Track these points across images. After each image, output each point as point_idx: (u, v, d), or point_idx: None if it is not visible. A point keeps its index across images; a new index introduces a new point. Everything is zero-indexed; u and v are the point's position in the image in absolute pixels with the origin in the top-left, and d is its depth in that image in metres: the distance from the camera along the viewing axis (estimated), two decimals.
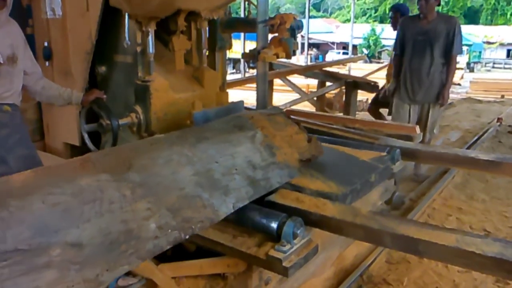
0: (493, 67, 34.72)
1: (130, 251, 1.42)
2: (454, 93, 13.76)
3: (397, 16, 5.04)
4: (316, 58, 35.17)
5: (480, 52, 35.50)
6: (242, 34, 14.02)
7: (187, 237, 1.59)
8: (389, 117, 4.89)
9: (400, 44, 4.49)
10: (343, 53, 33.13)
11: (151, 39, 2.75)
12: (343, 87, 6.83)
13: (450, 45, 4.19)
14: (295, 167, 2.21)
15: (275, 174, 2.10)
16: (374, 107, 5.48)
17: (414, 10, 4.77)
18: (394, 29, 4.88)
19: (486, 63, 35.13)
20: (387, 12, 43.52)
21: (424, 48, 4.25)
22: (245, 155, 2.07)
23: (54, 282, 1.25)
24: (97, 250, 1.37)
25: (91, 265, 1.33)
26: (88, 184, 1.51)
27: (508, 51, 37.65)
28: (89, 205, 1.44)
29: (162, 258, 2.19)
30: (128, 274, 1.89)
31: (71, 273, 1.29)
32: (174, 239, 1.55)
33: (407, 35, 4.38)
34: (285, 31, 2.75)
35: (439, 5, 4.31)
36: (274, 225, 1.82)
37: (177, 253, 2.15)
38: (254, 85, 3.65)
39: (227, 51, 3.70)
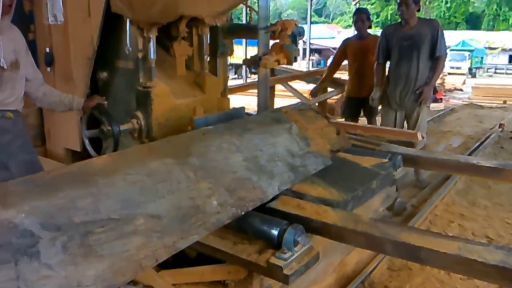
0: (495, 72, 34.68)
1: (198, 223, 1.68)
2: (456, 99, 13.77)
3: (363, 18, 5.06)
4: (318, 63, 35.20)
5: (482, 58, 35.46)
6: (244, 40, 14.05)
7: (242, 213, 1.85)
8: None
9: (383, 52, 4.50)
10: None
11: (152, 45, 2.76)
12: (345, 93, 6.83)
13: (435, 47, 4.21)
14: (327, 156, 2.47)
15: (311, 161, 2.35)
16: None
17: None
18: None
19: (488, 69, 35.10)
20: (389, 17, 43.71)
21: (411, 53, 4.26)
22: (284, 144, 2.33)
23: (140, 246, 1.47)
24: (172, 221, 1.61)
25: (169, 233, 1.57)
26: (157, 167, 1.77)
27: (510, 56, 37.62)
28: (161, 184, 1.70)
29: (162, 264, 2.18)
30: (129, 282, 1.88)
31: (154, 240, 1.52)
32: (233, 215, 1.81)
33: (392, 42, 4.39)
34: (287, 37, 2.76)
35: (419, 10, 4.33)
36: (275, 232, 1.81)
37: (178, 259, 2.14)
38: (256, 90, 3.65)
39: (229, 57, 3.71)
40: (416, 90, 4.28)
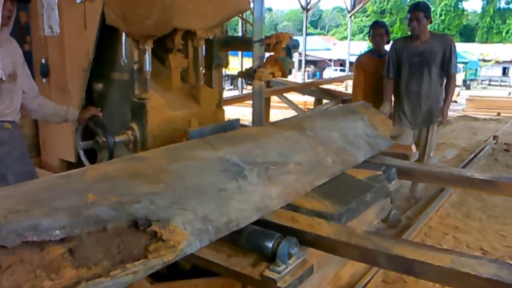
0: (489, 84, 34.95)
1: (323, 171, 2.36)
2: (451, 111, 13.80)
3: (381, 32, 4.75)
4: (314, 75, 35.36)
5: (476, 70, 35.76)
6: (239, 52, 14.11)
7: (345, 170, 2.56)
8: None
9: (393, 67, 4.30)
10: (340, 70, 33.33)
11: (148, 57, 2.77)
12: (340, 105, 6.85)
13: (448, 64, 4.07)
14: (389, 140, 3.17)
15: (380, 141, 3.04)
16: None
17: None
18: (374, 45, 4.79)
19: (482, 81, 35.38)
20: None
21: (421, 70, 4.12)
22: (361, 128, 3.02)
23: (295, 180, 2.14)
24: (309, 168, 2.29)
25: (308, 175, 2.24)
26: (289, 135, 2.51)
27: (504, 68, 37.94)
28: (297, 145, 2.43)
29: (157, 277, 2.17)
30: None
31: (301, 177, 2.19)
32: (340, 170, 2.49)
33: (402, 57, 4.22)
34: (281, 50, 2.77)
35: (431, 23, 4.18)
36: (269, 245, 1.80)
37: (172, 272, 2.13)
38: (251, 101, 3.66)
39: (225, 68, 3.72)
40: (427, 109, 4.18)
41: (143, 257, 1.32)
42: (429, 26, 4.17)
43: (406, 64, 4.20)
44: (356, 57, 5.09)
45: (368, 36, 5.06)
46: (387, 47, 4.58)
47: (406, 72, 4.21)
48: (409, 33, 4.26)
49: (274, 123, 2.87)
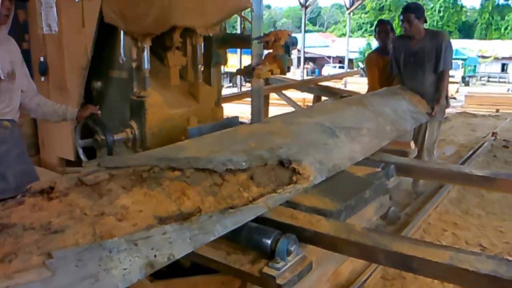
0: (488, 81, 34.96)
1: (384, 137, 3.05)
2: (450, 107, 13.81)
3: (387, 29, 4.97)
4: (313, 72, 35.37)
5: (475, 66, 35.76)
6: (238, 49, 14.10)
7: (399, 136, 3.29)
8: None
9: (396, 65, 4.43)
10: (339, 67, 33.33)
11: (146, 55, 2.77)
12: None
13: (438, 62, 4.13)
14: (426, 116, 4.06)
15: (420, 116, 3.91)
16: None
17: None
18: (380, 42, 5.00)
19: (481, 77, 35.38)
20: None
21: (415, 70, 4.22)
22: (405, 106, 3.83)
23: (368, 141, 2.81)
24: (375, 134, 2.95)
25: (376, 138, 2.92)
26: (358, 108, 3.28)
27: (503, 65, 37.95)
28: (364, 116, 3.15)
29: (156, 275, 2.18)
30: None
31: (372, 140, 2.85)
32: (395, 136, 3.23)
33: (399, 57, 4.35)
34: (280, 47, 2.76)
35: (425, 22, 4.25)
36: (268, 242, 1.81)
37: (172, 269, 2.14)
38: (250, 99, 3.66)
39: (224, 66, 3.72)
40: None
41: (292, 183, 2.01)
42: (427, 23, 4.23)
43: (403, 63, 4.33)
44: (362, 56, 5.30)
45: (374, 35, 5.28)
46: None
47: (403, 71, 4.35)
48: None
49: (342, 100, 3.95)
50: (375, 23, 5.38)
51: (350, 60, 30.27)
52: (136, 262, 1.31)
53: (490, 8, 45.02)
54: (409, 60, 4.26)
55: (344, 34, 36.01)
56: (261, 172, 1.97)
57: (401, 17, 4.23)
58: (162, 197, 1.62)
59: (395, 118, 3.37)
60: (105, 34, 2.96)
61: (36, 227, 1.32)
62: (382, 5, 47.42)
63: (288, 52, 2.77)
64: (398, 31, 5.28)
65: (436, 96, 4.19)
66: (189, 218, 1.57)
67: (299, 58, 22.95)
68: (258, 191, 1.86)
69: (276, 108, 9.35)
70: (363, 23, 49.04)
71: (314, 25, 60.04)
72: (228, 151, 2.03)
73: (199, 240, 1.52)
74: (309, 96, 8.29)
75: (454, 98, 17.48)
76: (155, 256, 1.37)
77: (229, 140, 2.25)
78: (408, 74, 4.30)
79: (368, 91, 5.09)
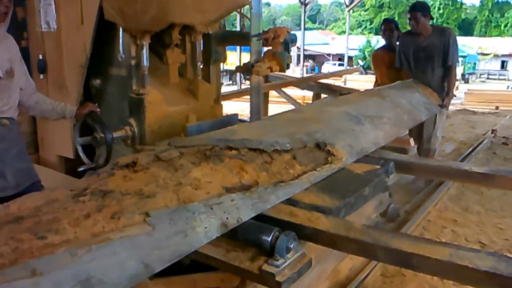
0: (487, 78, 34.97)
1: (405, 124, 3.40)
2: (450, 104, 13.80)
3: (392, 27, 5.20)
4: (312, 69, 35.32)
5: (474, 64, 35.75)
6: (238, 46, 14.07)
7: (414, 125, 3.71)
8: None
9: (404, 59, 4.63)
10: (339, 65, 33.31)
11: (145, 52, 2.76)
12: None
13: (445, 57, 4.39)
14: (438, 108, 4.39)
15: (433, 108, 4.21)
16: None
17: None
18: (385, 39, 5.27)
19: (480, 74, 35.40)
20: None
21: (425, 64, 4.46)
22: (419, 98, 4.09)
23: (388, 130, 3.06)
24: (394, 121, 3.24)
25: (395, 126, 3.20)
26: (377, 99, 3.53)
27: (503, 62, 37.93)
28: (383, 106, 3.40)
29: (156, 273, 2.17)
30: None
31: (392, 128, 3.13)
32: (412, 125, 3.58)
33: (408, 52, 4.56)
34: (279, 44, 2.76)
35: (431, 19, 4.48)
36: (267, 239, 1.81)
37: (171, 267, 2.13)
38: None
39: (223, 63, 3.71)
40: None
41: (327, 163, 2.29)
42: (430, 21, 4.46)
43: (412, 58, 4.55)
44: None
45: (380, 33, 5.57)
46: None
47: (413, 66, 4.58)
48: (408, 27, 4.59)
49: (362, 92, 4.35)
50: (381, 21, 5.69)
51: (350, 58, 30.30)
52: (213, 223, 1.64)
53: (490, 5, 45.00)
54: (418, 55, 4.48)
55: (343, 32, 35.96)
56: (301, 153, 2.26)
57: (409, 16, 4.46)
58: (225, 171, 1.90)
59: (410, 109, 3.69)
60: (104, 32, 2.95)
61: (131, 193, 1.61)
62: (381, 2, 47.34)
63: (287, 49, 2.77)
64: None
65: (445, 88, 4.49)
66: (249, 189, 1.87)
67: (298, 56, 22.93)
68: (300, 169, 2.16)
69: (276, 105, 9.34)
70: (363, 21, 48.97)
71: (314, 22, 59.97)
72: (273, 134, 2.33)
73: (259, 207, 1.83)
74: (309, 94, 8.27)
75: (454, 96, 17.42)
76: (227, 218, 1.69)
77: (272, 126, 2.59)
78: (419, 69, 4.52)
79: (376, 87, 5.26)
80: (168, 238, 1.49)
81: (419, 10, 4.39)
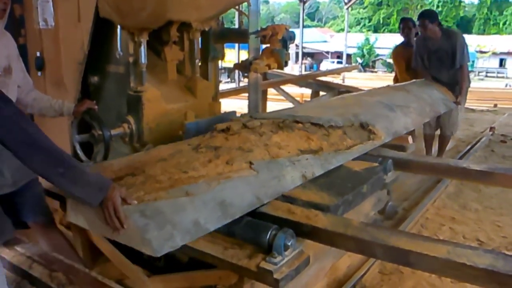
0: (486, 76, 34.96)
1: (421, 114, 3.79)
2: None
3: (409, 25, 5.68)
4: (311, 67, 35.31)
5: (473, 61, 35.66)
6: (236, 44, 14.03)
7: (436, 116, 4.46)
8: None
9: (421, 59, 5.03)
10: (338, 62, 33.29)
11: (143, 49, 2.76)
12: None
13: (454, 58, 4.80)
14: (453, 104, 4.71)
15: (449, 103, 4.62)
16: None
17: None
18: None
19: (479, 72, 35.35)
20: (381, 21, 43.87)
21: (439, 65, 4.91)
22: (437, 94, 4.56)
23: (415, 118, 3.58)
24: (419, 111, 3.71)
25: (420, 115, 3.75)
26: (402, 93, 4.05)
27: (501, 60, 37.92)
28: (408, 98, 3.89)
29: (153, 269, 2.18)
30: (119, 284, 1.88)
31: (418, 116, 3.67)
32: (433, 116, 4.17)
33: (423, 55, 5.00)
34: (277, 42, 2.76)
35: (440, 24, 4.92)
36: (265, 236, 1.80)
37: (169, 264, 2.14)
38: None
39: (221, 61, 3.71)
40: None
41: (370, 140, 2.81)
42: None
43: (428, 61, 5.00)
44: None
45: (399, 31, 6.00)
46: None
47: (428, 66, 5.02)
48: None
49: (390, 86, 4.77)
50: (400, 20, 6.19)
51: (348, 55, 30.25)
52: (296, 174, 2.20)
53: (488, 3, 44.89)
54: (432, 58, 4.94)
55: (342, 29, 35.88)
56: (350, 130, 2.75)
57: (418, 23, 4.95)
58: (297, 138, 2.44)
59: (431, 102, 4.19)
60: (102, 29, 2.94)
61: (234, 148, 2.16)
62: (380, 0, 47.30)
63: (285, 47, 2.77)
64: (393, 26, 5.78)
65: (458, 87, 4.88)
66: (317, 152, 2.40)
67: (297, 53, 22.89)
68: (351, 142, 2.66)
69: (274, 103, 9.33)
70: (362, 18, 48.85)
71: (312, 20, 59.88)
72: (328, 113, 2.83)
73: (325, 167, 2.37)
74: (307, 91, 8.27)
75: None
76: (305, 172, 2.24)
77: (325, 107, 3.20)
78: (434, 69, 4.97)
79: (396, 81, 5.88)
80: (268, 180, 2.05)
81: (426, 17, 4.82)
